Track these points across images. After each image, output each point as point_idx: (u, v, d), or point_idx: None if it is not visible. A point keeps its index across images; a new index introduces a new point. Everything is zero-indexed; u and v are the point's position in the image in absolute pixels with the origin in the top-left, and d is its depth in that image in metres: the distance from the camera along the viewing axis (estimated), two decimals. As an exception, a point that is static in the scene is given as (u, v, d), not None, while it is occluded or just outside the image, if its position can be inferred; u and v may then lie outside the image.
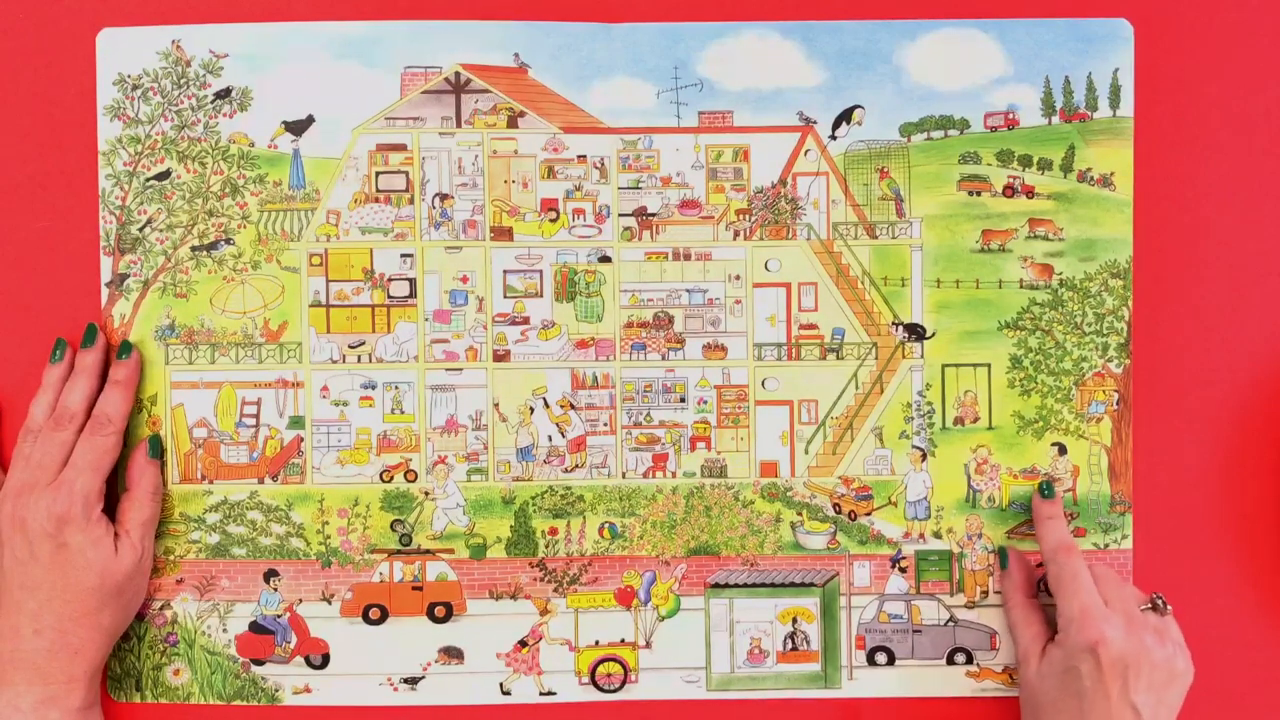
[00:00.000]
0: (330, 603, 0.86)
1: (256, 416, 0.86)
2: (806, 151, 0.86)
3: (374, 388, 0.87)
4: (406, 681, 0.86)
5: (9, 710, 0.77)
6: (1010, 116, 0.86)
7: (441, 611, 0.86)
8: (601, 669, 0.86)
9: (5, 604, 0.79)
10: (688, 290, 0.87)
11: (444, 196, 0.86)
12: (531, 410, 0.87)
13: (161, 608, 0.86)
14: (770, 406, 0.87)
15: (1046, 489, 0.85)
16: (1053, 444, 0.86)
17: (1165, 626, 0.80)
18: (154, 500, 0.84)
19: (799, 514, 0.87)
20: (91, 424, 0.82)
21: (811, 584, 0.87)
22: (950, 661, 0.87)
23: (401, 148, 0.86)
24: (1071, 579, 0.81)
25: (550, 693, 0.86)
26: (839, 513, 0.87)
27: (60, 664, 0.78)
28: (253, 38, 0.85)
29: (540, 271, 0.86)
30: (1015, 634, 0.84)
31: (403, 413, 0.87)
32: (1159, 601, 0.81)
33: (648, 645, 0.87)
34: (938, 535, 0.87)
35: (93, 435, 0.81)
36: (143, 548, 0.82)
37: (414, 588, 0.86)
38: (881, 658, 0.87)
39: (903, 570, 0.87)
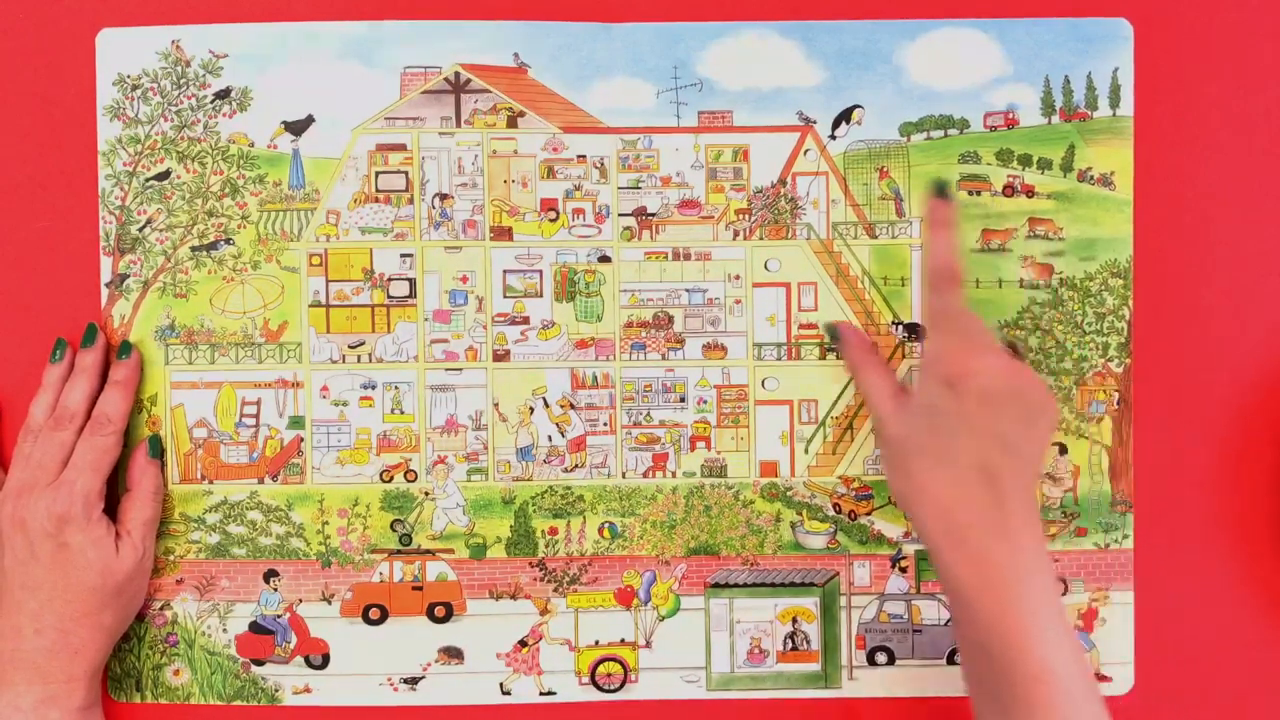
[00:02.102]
0: (330, 603, 0.86)
1: (256, 416, 0.86)
2: (806, 151, 0.86)
3: (374, 388, 0.87)
4: (406, 681, 0.86)
5: (10, 710, 0.77)
6: (1010, 116, 0.86)
7: (441, 611, 0.86)
8: (601, 669, 0.86)
9: (6, 604, 0.79)
10: (688, 290, 0.87)
11: (444, 196, 0.86)
12: (531, 410, 0.87)
13: (161, 608, 0.86)
14: (770, 406, 0.87)
15: (941, 189, 0.83)
16: (1053, 443, 0.86)
17: (1023, 365, 0.79)
18: (155, 500, 0.84)
19: (799, 514, 0.87)
20: (91, 424, 0.82)
21: (811, 584, 0.87)
22: (950, 661, 0.87)
23: (401, 148, 0.86)
24: (944, 314, 0.79)
25: (550, 693, 0.86)
26: (839, 512, 0.87)
27: (61, 664, 0.78)
28: (252, 38, 0.85)
29: (540, 271, 0.86)
30: (870, 394, 0.82)
31: (402, 413, 0.87)
32: (1017, 346, 0.81)
33: (648, 645, 0.87)
34: (938, 535, 0.87)
35: (92, 435, 0.81)
36: (144, 548, 0.82)
37: (414, 588, 0.86)
38: (882, 657, 0.87)
39: (903, 570, 0.87)
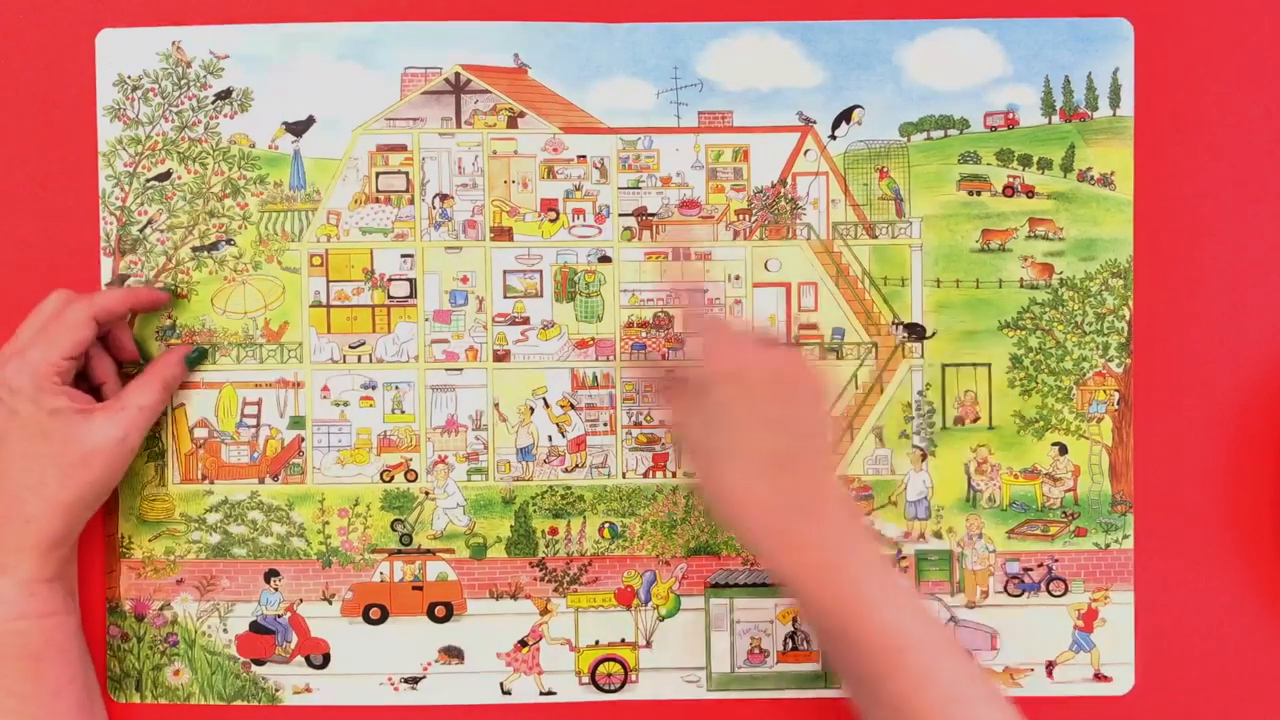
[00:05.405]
0: (331, 602, 0.86)
1: (257, 416, 0.86)
2: (806, 151, 0.86)
3: (374, 388, 0.87)
4: (407, 681, 0.86)
5: None
6: (1010, 116, 0.86)
7: (442, 611, 0.86)
8: (601, 669, 0.86)
9: None
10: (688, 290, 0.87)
11: (444, 197, 0.86)
12: (531, 410, 0.87)
13: (161, 608, 0.86)
14: (770, 406, 0.87)
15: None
16: (1053, 444, 0.86)
17: (787, 348, 0.79)
18: (164, 390, 0.82)
19: (799, 514, 0.87)
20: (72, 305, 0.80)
21: (812, 584, 0.86)
22: (950, 661, 0.87)
23: (402, 148, 0.86)
24: (697, 318, 0.82)
25: (550, 692, 0.86)
26: (839, 512, 0.87)
27: (11, 531, 0.76)
28: (253, 39, 0.85)
29: (540, 271, 0.86)
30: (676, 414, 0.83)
31: (403, 413, 0.87)
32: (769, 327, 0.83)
33: (648, 645, 0.87)
34: (938, 535, 0.87)
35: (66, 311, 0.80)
36: (128, 428, 0.79)
37: (414, 587, 0.86)
38: (882, 658, 0.87)
39: (902, 570, 0.87)
